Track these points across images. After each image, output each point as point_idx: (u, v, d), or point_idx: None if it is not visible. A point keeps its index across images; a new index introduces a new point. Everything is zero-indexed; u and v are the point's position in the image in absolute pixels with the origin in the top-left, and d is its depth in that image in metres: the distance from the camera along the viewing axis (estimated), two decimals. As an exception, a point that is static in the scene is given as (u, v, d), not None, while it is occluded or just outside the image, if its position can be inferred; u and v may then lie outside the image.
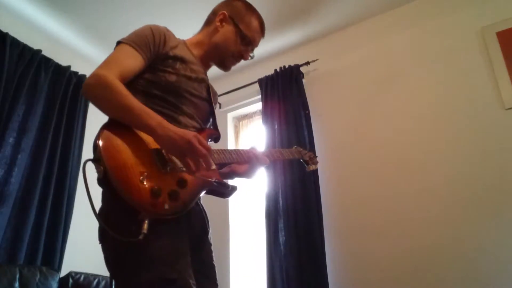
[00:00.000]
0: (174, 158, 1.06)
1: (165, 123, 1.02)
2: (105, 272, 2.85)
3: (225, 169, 1.37)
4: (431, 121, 2.42)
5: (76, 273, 2.39)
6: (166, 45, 1.21)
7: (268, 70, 3.10)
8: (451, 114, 2.37)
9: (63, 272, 2.42)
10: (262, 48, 3.19)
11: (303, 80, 2.96)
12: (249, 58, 1.43)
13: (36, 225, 2.43)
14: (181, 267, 0.98)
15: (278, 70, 3.03)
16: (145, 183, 0.94)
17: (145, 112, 1.02)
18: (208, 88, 1.36)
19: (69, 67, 2.90)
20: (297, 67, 2.96)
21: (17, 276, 2.09)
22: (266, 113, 2.96)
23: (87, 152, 2.84)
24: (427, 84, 2.51)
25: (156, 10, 2.74)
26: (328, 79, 2.95)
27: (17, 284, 2.06)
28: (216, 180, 1.14)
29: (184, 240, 1.05)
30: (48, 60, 2.78)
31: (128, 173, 0.93)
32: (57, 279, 2.30)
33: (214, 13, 1.41)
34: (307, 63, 2.95)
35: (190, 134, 1.00)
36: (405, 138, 2.48)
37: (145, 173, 0.96)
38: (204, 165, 1.01)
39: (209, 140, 1.32)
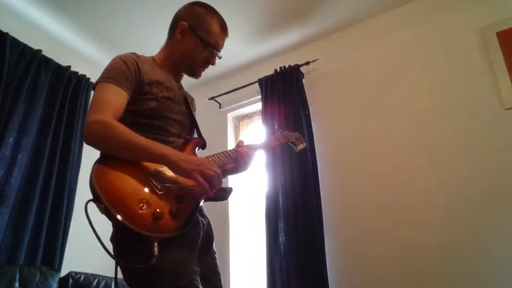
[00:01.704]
0: (167, 175, 1.09)
1: (174, 150, 1.11)
2: (105, 272, 2.84)
3: None
4: (431, 121, 2.42)
5: (76, 273, 2.39)
6: (141, 72, 1.23)
7: (268, 70, 3.10)
8: (451, 114, 2.37)
9: (63, 272, 2.42)
10: (262, 48, 3.21)
11: (303, 80, 2.96)
12: (217, 60, 1.43)
13: (36, 225, 2.42)
14: (190, 275, 1.02)
15: (278, 70, 3.03)
16: (145, 209, 0.97)
17: (154, 143, 1.08)
18: (186, 99, 1.38)
19: (69, 67, 2.90)
20: (297, 67, 2.96)
21: (17, 276, 2.09)
22: (266, 113, 2.96)
23: (87, 152, 2.84)
24: (427, 84, 2.51)
25: (156, 11, 2.74)
26: (328, 79, 2.95)
27: (17, 284, 2.06)
28: None
29: (192, 248, 1.09)
30: (48, 60, 2.78)
31: (127, 203, 0.96)
32: (57, 279, 2.30)
33: (175, 23, 1.40)
34: (307, 63, 2.95)
35: (203, 158, 1.12)
36: (405, 138, 2.48)
37: (144, 200, 0.99)
38: (216, 179, 1.08)
39: (197, 148, 1.34)
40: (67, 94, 2.84)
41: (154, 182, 1.05)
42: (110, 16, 2.79)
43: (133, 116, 1.20)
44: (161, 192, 1.04)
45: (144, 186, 1.03)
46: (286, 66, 3.00)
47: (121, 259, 0.99)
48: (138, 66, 1.23)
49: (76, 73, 2.95)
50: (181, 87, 1.41)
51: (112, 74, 1.18)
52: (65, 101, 2.81)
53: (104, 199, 0.94)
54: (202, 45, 1.35)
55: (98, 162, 1.05)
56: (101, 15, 2.78)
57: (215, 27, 1.38)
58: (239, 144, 1.38)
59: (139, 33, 2.93)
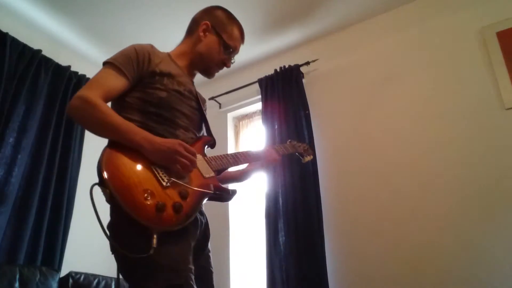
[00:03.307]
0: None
1: (150, 136, 1.09)
2: (105, 272, 2.84)
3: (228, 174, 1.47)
4: (431, 121, 2.42)
5: (76, 273, 2.39)
6: (150, 63, 1.25)
7: (268, 70, 3.09)
8: (451, 114, 2.37)
9: (63, 272, 2.42)
10: (262, 48, 3.21)
11: (303, 80, 2.96)
12: (231, 64, 1.49)
13: (36, 225, 2.43)
14: (186, 273, 1.03)
15: (278, 70, 3.03)
16: (149, 199, 0.98)
17: (130, 129, 1.09)
18: (197, 96, 1.40)
19: (69, 67, 2.90)
20: (297, 67, 2.96)
21: (17, 276, 2.09)
22: (266, 113, 2.96)
23: (87, 152, 2.84)
24: (427, 84, 2.51)
25: (156, 10, 2.74)
26: (328, 79, 2.94)
27: (17, 284, 2.06)
28: (216, 188, 1.19)
29: (189, 246, 1.10)
30: (48, 60, 2.78)
31: (133, 192, 0.98)
32: (57, 279, 2.30)
33: (195, 22, 1.45)
34: (307, 63, 2.95)
35: (176, 142, 1.10)
36: (405, 138, 2.48)
37: (149, 190, 1.00)
38: (191, 168, 1.11)
39: (206, 147, 1.36)
40: (67, 94, 2.84)
41: (160, 174, 1.06)
42: (110, 16, 2.79)
43: (141, 104, 1.22)
44: (166, 185, 1.05)
45: (151, 177, 1.04)
46: (286, 66, 3.00)
47: (120, 248, 0.99)
48: (149, 57, 1.25)
49: (76, 73, 2.95)
50: (193, 85, 1.43)
51: (119, 58, 1.21)
52: (65, 101, 2.81)
53: (110, 184, 0.95)
54: (223, 46, 1.41)
55: (109, 146, 1.07)
56: (101, 15, 2.78)
57: (236, 32, 1.45)
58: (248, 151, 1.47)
59: (139, 33, 2.93)
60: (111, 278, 2.54)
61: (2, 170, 2.35)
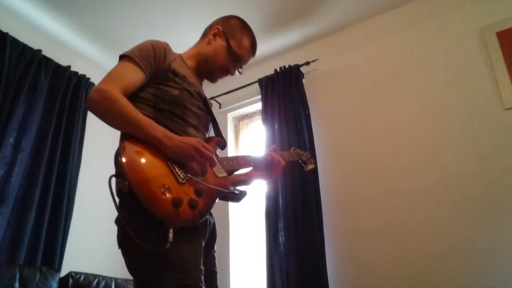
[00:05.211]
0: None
1: (169, 133, 1.10)
2: (105, 272, 2.83)
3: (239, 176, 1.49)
4: (431, 121, 2.42)
5: (76, 273, 2.39)
6: (166, 60, 1.27)
7: (268, 70, 3.09)
8: (451, 114, 2.37)
9: (63, 272, 2.42)
10: (262, 48, 3.17)
11: (303, 80, 2.96)
12: (237, 74, 1.50)
13: (36, 225, 2.42)
14: (197, 274, 1.03)
15: (278, 70, 3.03)
16: (167, 194, 0.99)
17: (150, 125, 1.10)
18: (205, 98, 1.42)
19: (69, 67, 2.90)
20: (297, 67, 2.96)
21: (17, 276, 2.09)
22: (266, 113, 2.96)
23: (87, 152, 2.84)
24: (427, 84, 2.51)
25: (156, 10, 2.74)
26: (328, 79, 2.95)
27: (17, 284, 2.06)
28: (230, 187, 1.21)
29: (200, 246, 1.11)
30: (48, 60, 2.78)
31: (151, 186, 0.99)
32: (57, 279, 2.30)
33: (210, 27, 1.49)
34: (307, 63, 2.95)
35: (194, 140, 1.11)
36: (405, 138, 2.48)
37: (166, 185, 1.01)
38: (210, 166, 1.13)
39: (217, 148, 1.38)
40: (67, 94, 2.84)
41: (177, 170, 1.07)
42: (110, 16, 2.79)
43: (154, 100, 1.23)
44: (182, 181, 1.05)
45: (167, 172, 1.05)
46: (286, 66, 3.00)
47: (136, 239, 0.97)
48: (165, 53, 1.28)
49: (76, 73, 2.95)
50: (201, 87, 1.45)
51: (137, 52, 1.22)
52: (65, 101, 2.81)
53: (129, 177, 0.97)
54: (228, 52, 1.42)
55: (127, 139, 1.07)
56: (101, 15, 2.78)
57: (246, 42, 1.46)
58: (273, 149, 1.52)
59: (139, 33, 2.93)
60: (111, 278, 2.54)
61: (2, 170, 2.35)
